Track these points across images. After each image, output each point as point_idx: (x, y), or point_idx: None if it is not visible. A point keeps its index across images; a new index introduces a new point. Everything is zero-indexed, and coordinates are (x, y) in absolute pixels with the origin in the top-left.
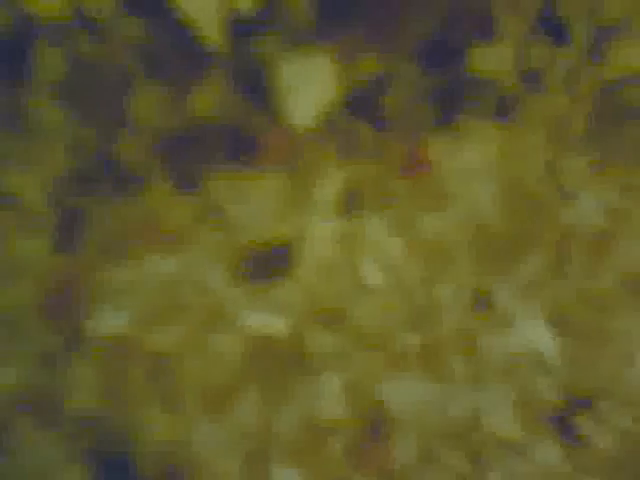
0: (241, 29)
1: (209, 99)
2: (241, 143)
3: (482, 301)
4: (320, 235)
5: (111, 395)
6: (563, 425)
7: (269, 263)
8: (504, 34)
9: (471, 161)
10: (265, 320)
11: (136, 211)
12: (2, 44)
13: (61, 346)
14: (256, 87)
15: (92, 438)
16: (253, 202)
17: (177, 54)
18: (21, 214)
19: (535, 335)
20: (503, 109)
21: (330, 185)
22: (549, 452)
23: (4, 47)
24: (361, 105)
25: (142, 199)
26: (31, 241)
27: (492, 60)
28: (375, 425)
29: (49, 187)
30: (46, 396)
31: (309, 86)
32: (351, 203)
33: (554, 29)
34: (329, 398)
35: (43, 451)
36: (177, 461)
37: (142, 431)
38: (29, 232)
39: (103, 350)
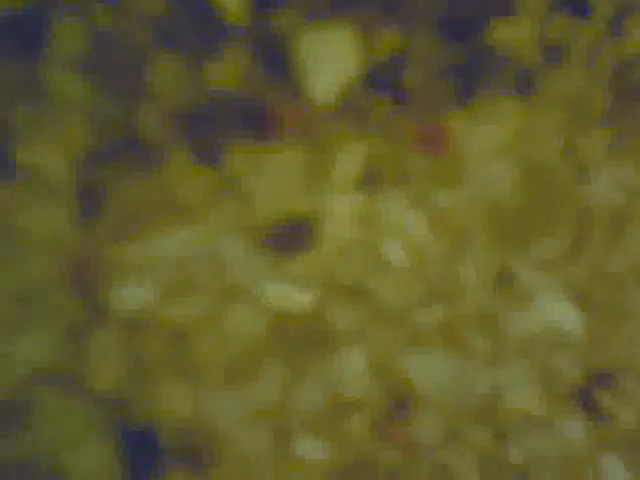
0: (261, 2)
1: (228, 72)
2: (260, 116)
3: (502, 278)
4: (339, 211)
5: (134, 369)
6: (585, 400)
7: (288, 237)
8: (525, 8)
9: (490, 138)
10: (286, 293)
11: (155, 184)
12: (23, 18)
13: (84, 319)
14: (275, 61)
15: (116, 411)
16: (272, 176)
17: (196, 27)
18: (42, 186)
19: (555, 311)
20: (523, 84)
21: (349, 160)
22: (571, 427)
23: (25, 21)
24: (380, 79)
25: (161, 172)
26: (52, 214)
27: (512, 34)
28: (398, 401)
29: (70, 160)
30: (70, 369)
31: (329, 60)
32: (370, 179)
33: (576, 3)
34: (351, 374)
35: (67, 423)
36: (200, 434)
37: (165, 405)
38: (50, 204)
39: (125, 324)
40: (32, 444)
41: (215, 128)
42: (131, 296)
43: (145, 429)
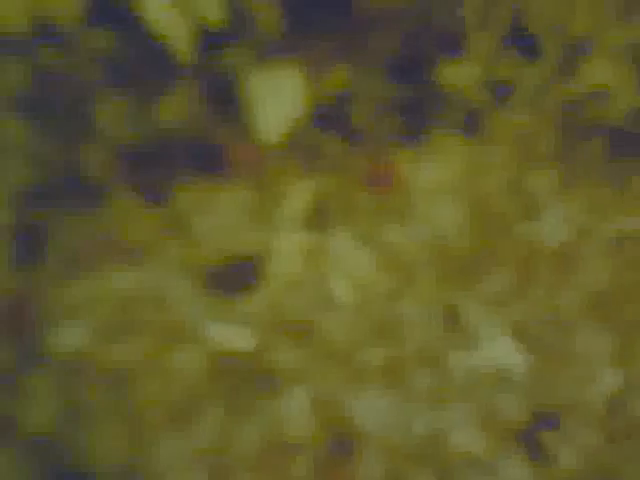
0: (210, 41)
1: (177, 111)
2: (208, 155)
3: (447, 316)
4: (287, 249)
5: (69, 412)
6: (528, 441)
7: (235, 276)
8: (473, 49)
9: (437, 176)
10: (230, 334)
11: (100, 224)
12: None
13: (17, 361)
14: (224, 100)
15: (50, 456)
16: (219, 215)
17: (145, 66)
18: None
19: (500, 352)
20: (470, 124)
21: (297, 199)
22: (515, 469)
23: None
24: (329, 118)
25: (107, 212)
26: None
27: (460, 75)
28: (341, 441)
29: (9, 201)
30: (1, 412)
31: (277, 99)
32: (318, 217)
33: (524, 45)
34: (293, 413)
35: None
36: (137, 478)
37: (101, 448)
38: None
39: (61, 366)
40: None
41: (163, 167)
42: (67, 337)
43: (80, 474)
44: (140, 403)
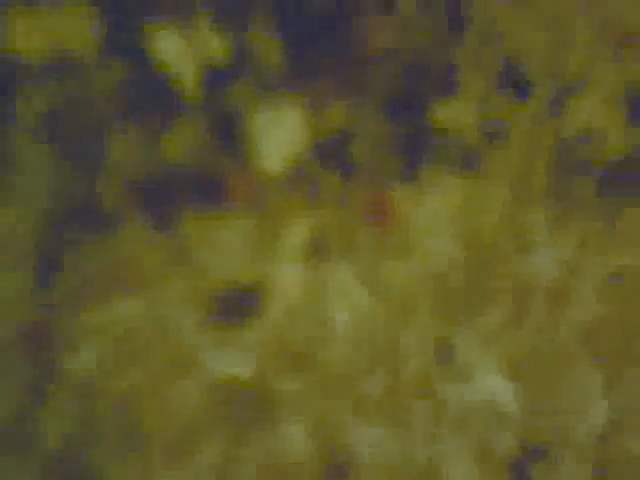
0: (215, 77)
1: (182, 144)
2: (212, 187)
3: (442, 350)
4: (287, 280)
5: (79, 433)
6: (520, 474)
7: (237, 306)
8: (466, 89)
9: (434, 212)
10: (231, 363)
11: (111, 253)
12: None
13: (37, 381)
14: (227, 133)
15: (65, 474)
16: (222, 245)
17: (153, 99)
18: (3, 251)
19: (492, 385)
20: (466, 161)
21: (297, 231)
22: None
23: None
24: (328, 153)
25: (117, 240)
26: (10, 278)
27: (455, 113)
28: (338, 468)
29: (30, 226)
30: (23, 427)
31: (278, 133)
32: (318, 249)
33: (516, 84)
34: (292, 442)
35: None
36: None
37: (107, 472)
38: (10, 269)
39: (76, 388)
40: None
41: (169, 197)
42: (81, 361)
43: None
44: (145, 428)
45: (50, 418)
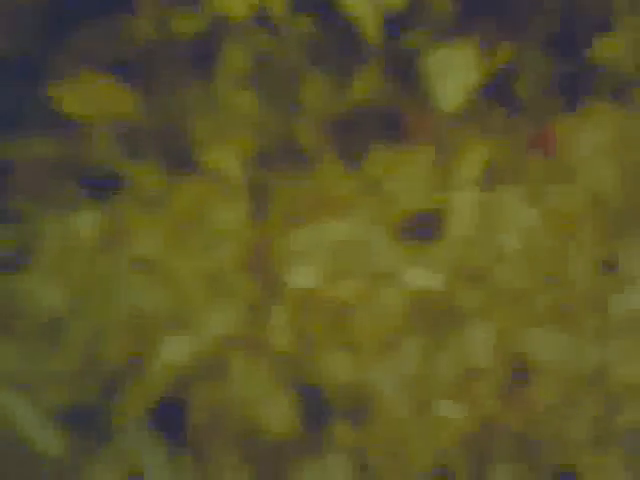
0: (393, 26)
1: (367, 87)
2: (395, 124)
3: (606, 264)
4: (463, 205)
5: (303, 338)
6: None
7: (421, 228)
8: (622, 25)
9: (593, 141)
10: (421, 276)
11: (311, 183)
12: (198, 43)
13: (263, 296)
14: (406, 76)
15: (293, 370)
16: (406, 176)
17: (340, 48)
18: (222, 185)
19: None
20: (622, 95)
21: (471, 161)
22: None
23: (200, 45)
24: (497, 90)
25: (315, 173)
26: (232, 207)
27: (611, 49)
28: (519, 370)
29: (242, 162)
30: (255, 336)
31: (453, 73)
32: (490, 177)
33: None
34: (478, 346)
35: (255, 380)
36: (358, 394)
37: (329, 368)
38: (230, 200)
39: (296, 300)
40: (227, 396)
41: (358, 135)
42: (299, 277)
43: (316, 387)
44: (356, 333)
45: (276, 326)
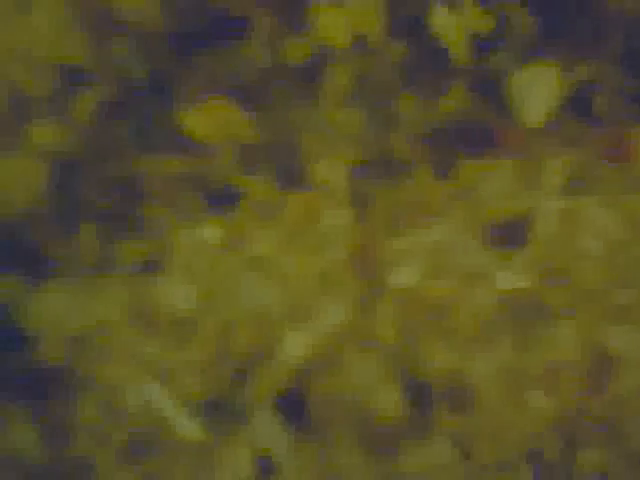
0: (481, 46)
1: (456, 103)
2: (483, 138)
3: None
4: (548, 211)
5: (406, 331)
6: None
7: (510, 233)
8: None
9: None
10: (510, 277)
11: (406, 192)
12: (306, 67)
13: (369, 293)
14: (494, 93)
15: (401, 361)
16: (494, 185)
17: (431, 67)
18: (328, 195)
19: None
20: None
21: (554, 171)
22: None
23: (307, 69)
24: (577, 105)
25: (411, 182)
26: (338, 214)
27: None
28: (603, 367)
29: (347, 173)
30: (365, 330)
31: (537, 90)
32: (572, 185)
33: None
34: (564, 342)
35: (367, 370)
36: (460, 383)
37: (432, 359)
38: (336, 207)
39: (399, 297)
40: (342, 385)
41: (449, 147)
42: (400, 276)
43: (420, 377)
44: (455, 327)
45: (382, 321)
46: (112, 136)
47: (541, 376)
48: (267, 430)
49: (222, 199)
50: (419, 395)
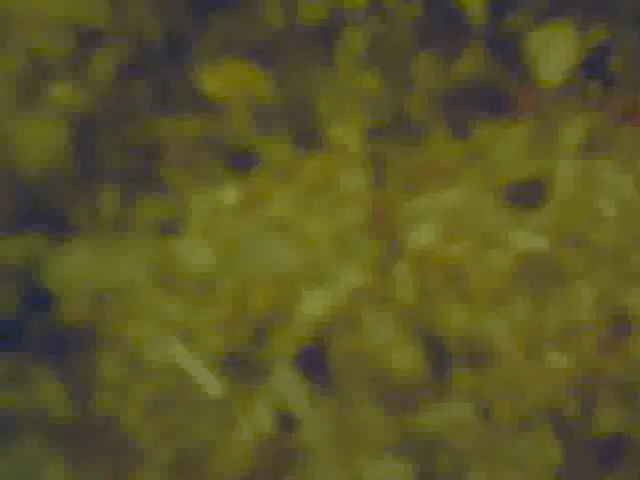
0: (497, 7)
1: (473, 63)
2: (499, 98)
3: None
4: (564, 173)
5: (424, 291)
6: None
7: (526, 195)
8: None
9: None
10: (526, 239)
11: (423, 153)
12: (321, 29)
13: (385, 255)
14: (510, 54)
15: (417, 320)
16: (510, 146)
17: (446, 28)
18: (344, 157)
19: None
20: None
21: (571, 132)
22: None
23: (323, 31)
24: (592, 66)
25: (426, 145)
26: (354, 176)
27: None
28: (620, 324)
29: (361, 135)
30: (381, 290)
31: (554, 51)
32: (588, 147)
33: None
34: (581, 302)
35: (384, 329)
36: (476, 342)
37: (447, 318)
38: (352, 169)
39: (416, 258)
40: (361, 344)
41: (464, 108)
42: (417, 237)
43: (437, 335)
44: (470, 288)
45: (399, 281)
46: (129, 97)
47: (559, 336)
48: (287, 386)
49: (240, 161)
50: (437, 354)
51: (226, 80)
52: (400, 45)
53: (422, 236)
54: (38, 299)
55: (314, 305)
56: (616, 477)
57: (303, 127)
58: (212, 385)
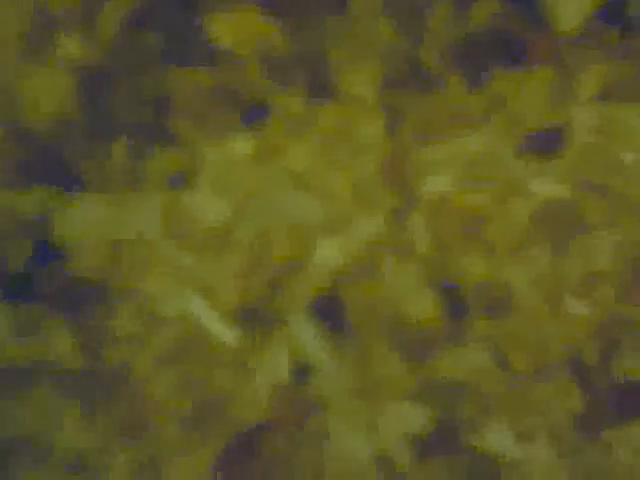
0: None
1: (488, 11)
2: (515, 47)
3: None
4: (584, 121)
5: (440, 240)
6: None
7: (545, 143)
8: None
9: None
10: (546, 186)
11: (438, 102)
12: None
13: (401, 204)
14: (526, 2)
15: (433, 270)
16: (528, 94)
17: None
18: (359, 107)
19: None
20: None
21: (589, 79)
22: None
23: None
24: (610, 13)
25: (441, 93)
26: (368, 125)
27: None
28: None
29: (375, 84)
30: (398, 239)
31: None
32: (607, 94)
33: None
34: (602, 250)
35: (403, 276)
36: (495, 290)
37: (466, 267)
38: (365, 118)
39: (431, 207)
40: (378, 292)
41: (480, 57)
42: (433, 185)
43: (455, 284)
44: (489, 236)
45: (416, 230)
46: (140, 49)
47: (578, 284)
48: (304, 335)
49: (253, 112)
50: (454, 302)
51: (237, 29)
52: None
53: (438, 185)
54: (50, 253)
55: (330, 255)
56: (636, 423)
57: (317, 78)
58: (228, 336)
